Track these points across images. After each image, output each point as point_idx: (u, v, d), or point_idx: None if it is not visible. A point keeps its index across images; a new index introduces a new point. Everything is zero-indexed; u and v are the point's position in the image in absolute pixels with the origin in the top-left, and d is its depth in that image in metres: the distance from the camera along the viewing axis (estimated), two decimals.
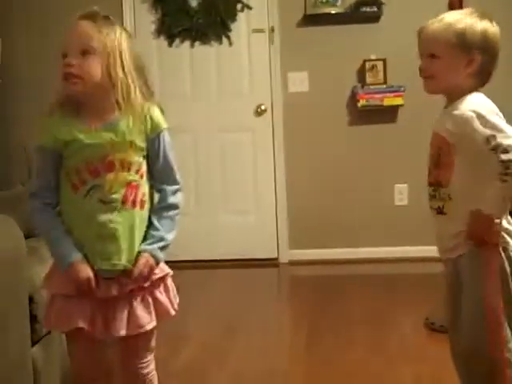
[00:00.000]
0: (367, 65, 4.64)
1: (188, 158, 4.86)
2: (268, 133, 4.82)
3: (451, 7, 4.50)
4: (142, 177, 1.77)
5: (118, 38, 1.73)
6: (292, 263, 4.77)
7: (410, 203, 4.73)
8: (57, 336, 2.27)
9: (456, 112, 1.81)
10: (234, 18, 4.75)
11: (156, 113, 1.79)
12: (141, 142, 1.76)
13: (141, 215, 1.76)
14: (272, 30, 4.75)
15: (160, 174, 1.80)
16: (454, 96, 1.85)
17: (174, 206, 1.80)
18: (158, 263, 1.78)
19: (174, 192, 1.81)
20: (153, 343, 1.89)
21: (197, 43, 4.80)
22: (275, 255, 4.85)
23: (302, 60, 4.75)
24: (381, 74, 4.62)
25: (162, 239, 1.77)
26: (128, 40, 1.77)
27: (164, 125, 1.81)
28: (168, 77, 4.84)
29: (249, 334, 3.24)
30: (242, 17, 4.77)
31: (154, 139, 1.78)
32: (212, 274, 4.65)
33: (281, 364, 2.84)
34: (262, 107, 4.79)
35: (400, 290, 3.93)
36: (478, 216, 1.78)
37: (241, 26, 4.78)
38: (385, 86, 4.61)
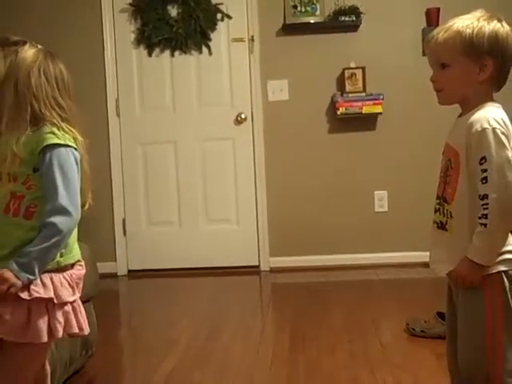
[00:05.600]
0: (346, 73, 4.68)
1: (169, 167, 4.89)
2: (248, 141, 4.84)
3: (428, 17, 4.58)
4: (29, 188, 1.80)
5: (16, 62, 1.79)
6: (273, 270, 4.80)
7: (389, 210, 4.78)
8: None
9: (472, 122, 1.68)
10: (213, 27, 4.78)
11: (45, 130, 1.80)
12: (28, 156, 1.78)
13: (22, 224, 1.79)
14: (252, 39, 4.78)
15: (44, 191, 1.79)
16: (470, 104, 1.74)
17: (50, 226, 1.75)
18: (21, 277, 1.73)
19: (52, 212, 1.76)
20: None
21: (177, 53, 4.82)
22: (256, 263, 4.87)
23: (282, 69, 4.79)
24: (360, 83, 4.67)
25: (24, 255, 1.74)
26: (40, 62, 1.82)
27: (49, 142, 1.78)
28: (148, 86, 4.85)
29: (231, 341, 3.25)
30: (221, 26, 4.80)
31: (39, 155, 1.79)
32: (193, 282, 4.65)
33: (262, 371, 2.85)
34: (242, 116, 4.81)
35: (380, 296, 3.97)
36: (465, 261, 1.69)
37: (221, 35, 4.81)
38: (364, 94, 4.65)
